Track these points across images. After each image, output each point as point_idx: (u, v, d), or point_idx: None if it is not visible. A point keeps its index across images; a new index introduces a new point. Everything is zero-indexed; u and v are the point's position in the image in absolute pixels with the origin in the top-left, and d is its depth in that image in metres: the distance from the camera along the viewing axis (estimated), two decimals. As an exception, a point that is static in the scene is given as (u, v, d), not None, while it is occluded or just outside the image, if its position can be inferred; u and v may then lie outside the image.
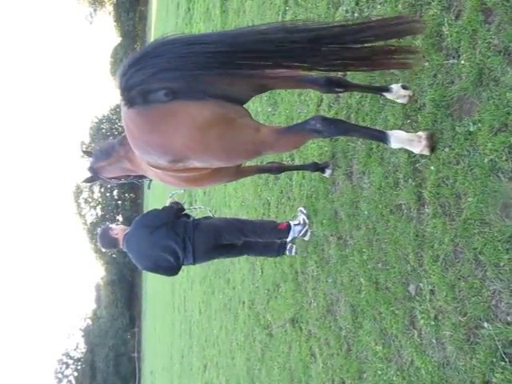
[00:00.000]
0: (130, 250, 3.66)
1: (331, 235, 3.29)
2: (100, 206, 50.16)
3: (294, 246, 3.91)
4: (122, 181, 2.92)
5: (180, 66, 1.67)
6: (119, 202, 48.36)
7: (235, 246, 3.78)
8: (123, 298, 49.04)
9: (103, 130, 50.18)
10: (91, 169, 2.86)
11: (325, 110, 3.47)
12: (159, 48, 1.70)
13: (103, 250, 4.01)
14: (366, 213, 2.83)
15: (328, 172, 3.35)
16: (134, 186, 49.80)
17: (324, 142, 3.48)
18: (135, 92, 1.76)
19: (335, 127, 2.06)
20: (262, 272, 4.85)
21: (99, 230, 3.93)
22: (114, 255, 49.98)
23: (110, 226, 3.89)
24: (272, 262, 4.49)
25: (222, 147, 1.96)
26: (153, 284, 27.40)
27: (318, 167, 3.37)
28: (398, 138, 2.17)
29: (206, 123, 1.84)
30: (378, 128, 2.52)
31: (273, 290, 4.46)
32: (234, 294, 5.99)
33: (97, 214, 50.53)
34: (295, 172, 3.96)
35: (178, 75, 1.69)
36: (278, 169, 3.56)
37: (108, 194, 50.20)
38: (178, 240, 3.50)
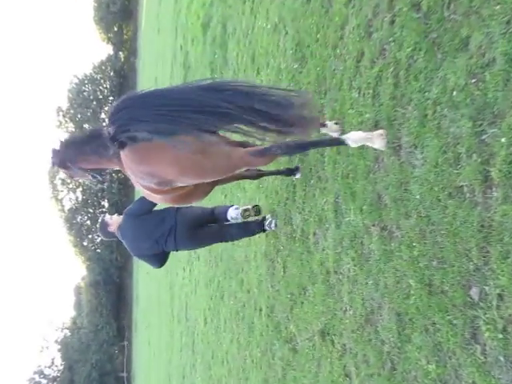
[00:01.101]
0: (123, 239, 5.27)
1: (373, 225, 3.33)
2: (80, 189, 50.92)
3: (274, 221, 5.21)
4: (96, 177, 3.56)
5: (152, 118, 2.75)
6: (105, 185, 48.97)
7: (216, 232, 5.32)
8: (109, 304, 50.16)
9: (85, 93, 50.61)
10: (68, 156, 3.32)
11: (366, 66, 3.47)
12: (137, 100, 2.80)
13: (105, 239, 5.62)
14: (417, 197, 2.85)
15: (298, 175, 4.64)
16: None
17: (365, 107, 3.49)
18: (124, 137, 2.89)
19: (296, 147, 3.18)
20: (284, 271, 4.93)
21: (99, 223, 5.51)
22: (98, 250, 51.03)
23: (106, 220, 5.40)
24: (297, 259, 4.56)
25: (196, 174, 3.13)
26: (146, 286, 27.92)
27: (291, 171, 4.70)
28: (355, 139, 3.18)
29: (181, 155, 2.92)
30: (333, 136, 3.68)
31: (298, 295, 4.54)
32: (249, 298, 6.10)
33: (76, 199, 51.41)
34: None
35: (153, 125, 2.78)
36: (255, 176, 4.87)
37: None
38: (163, 227, 5.11)
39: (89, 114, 50.43)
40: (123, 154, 3.02)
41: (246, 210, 5.50)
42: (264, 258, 5.59)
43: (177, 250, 5.35)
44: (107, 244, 47.18)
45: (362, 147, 3.45)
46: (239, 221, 5.47)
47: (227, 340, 7.07)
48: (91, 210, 52.18)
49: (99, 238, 49.85)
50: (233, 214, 5.44)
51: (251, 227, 5.34)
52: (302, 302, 4.43)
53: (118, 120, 2.82)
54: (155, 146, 2.91)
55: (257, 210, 5.58)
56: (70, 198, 51.60)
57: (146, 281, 28.06)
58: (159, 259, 5.48)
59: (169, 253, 5.48)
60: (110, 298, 50.60)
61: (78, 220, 52.23)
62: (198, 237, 5.25)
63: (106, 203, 51.46)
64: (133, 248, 5.29)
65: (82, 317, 52.39)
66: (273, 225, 5.20)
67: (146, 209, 5.14)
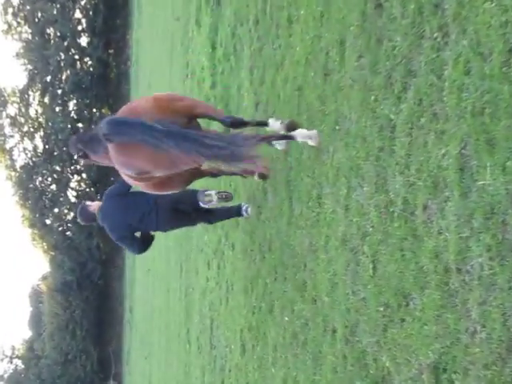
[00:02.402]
0: (105, 219, 8.50)
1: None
2: (41, 132, 51.94)
3: (249, 208, 8.49)
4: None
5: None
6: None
7: (195, 214, 9.07)
8: (86, 320, 51.03)
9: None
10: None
11: None
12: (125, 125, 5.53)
13: (83, 223, 9.17)
14: None
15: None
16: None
17: None
18: (114, 136, 5.50)
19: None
20: (373, 269, 4.96)
21: (78, 208, 9.02)
22: (68, 232, 51.95)
23: (87, 203, 8.88)
24: (396, 249, 4.59)
25: (167, 167, 6.00)
26: (146, 291, 28.46)
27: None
28: (301, 135, 6.49)
29: (156, 152, 5.47)
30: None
31: (396, 307, 4.58)
32: (315, 312, 6.17)
33: (35, 150, 52.32)
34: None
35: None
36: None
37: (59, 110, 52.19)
38: (144, 207, 8.53)
39: (55, 11, 50.89)
40: (110, 146, 5.63)
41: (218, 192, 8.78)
42: (341, 247, 5.64)
43: (155, 231, 9.01)
44: (83, 225, 46.92)
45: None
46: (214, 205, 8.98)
47: (278, 378, 7.19)
48: (58, 168, 53.09)
49: (71, 215, 50.84)
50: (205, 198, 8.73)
51: (233, 210, 9.06)
52: (403, 319, 4.47)
53: (114, 125, 5.52)
54: (134, 143, 5.47)
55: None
56: (25, 149, 52.59)
57: (147, 282, 28.60)
58: (141, 242, 8.84)
59: (152, 237, 8.96)
60: (88, 311, 51.26)
61: (37, 184, 53.22)
62: (179, 219, 8.94)
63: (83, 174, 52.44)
64: (115, 228, 8.48)
65: (43, 340, 53.28)
66: (248, 211, 8.51)
67: (128, 187, 8.28)
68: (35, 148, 52.49)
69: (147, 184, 6.50)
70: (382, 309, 4.77)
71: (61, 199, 52.88)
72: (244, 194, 9.47)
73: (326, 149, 6.15)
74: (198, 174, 7.46)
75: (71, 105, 53.54)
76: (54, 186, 53.43)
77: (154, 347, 23.11)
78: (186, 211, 8.88)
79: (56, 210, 53.37)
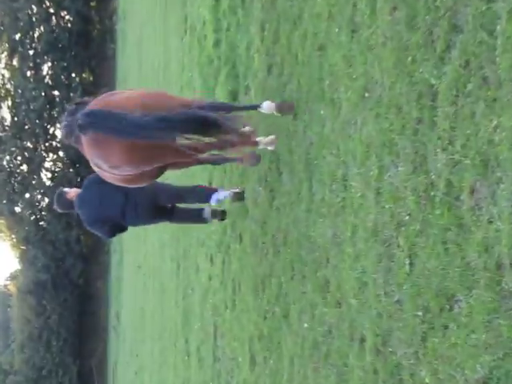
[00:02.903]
0: (81, 207, 9.78)
1: None
2: (9, 101, 51.91)
3: (209, 211, 10.49)
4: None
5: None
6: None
7: (170, 211, 10.62)
8: (63, 328, 51.05)
9: None
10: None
11: None
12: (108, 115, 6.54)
13: (59, 211, 10.46)
14: None
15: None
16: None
17: None
18: (88, 128, 6.48)
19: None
20: (410, 265, 4.97)
21: (55, 194, 10.10)
22: (42, 222, 51.88)
23: (65, 190, 10.05)
24: (438, 241, 4.58)
25: (139, 164, 7.14)
26: (135, 292, 28.46)
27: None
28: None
29: (128, 148, 6.72)
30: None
31: (438, 311, 4.59)
32: (340, 317, 6.19)
33: (2, 124, 52.31)
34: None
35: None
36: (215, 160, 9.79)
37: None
38: (121, 199, 9.79)
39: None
40: (84, 137, 6.57)
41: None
42: (371, 239, 5.66)
43: (135, 225, 10.91)
44: (60, 214, 45.50)
45: None
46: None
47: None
48: (30, 145, 53.00)
49: (45, 201, 50.75)
50: (220, 196, 10.02)
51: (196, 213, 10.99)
52: (446, 326, 4.48)
53: (92, 116, 6.40)
54: (109, 138, 6.48)
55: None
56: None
57: (136, 282, 28.61)
58: (112, 229, 10.29)
59: (125, 229, 10.55)
60: (66, 317, 51.18)
61: (5, 163, 52.67)
62: (158, 213, 10.36)
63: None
64: (91, 217, 9.89)
65: (12, 352, 53.24)
66: (209, 216, 10.77)
67: None
68: (2, 120, 52.43)
69: (116, 177, 7.49)
70: (420, 313, 4.78)
71: (33, 182, 52.79)
72: (253, 175, 9.45)
73: (352, 120, 6.14)
74: (170, 166, 8.36)
75: (45, 68, 53.21)
76: (24, 167, 53.32)
77: (145, 360, 23.18)
78: (164, 207, 10.61)
79: (27, 196, 53.08)
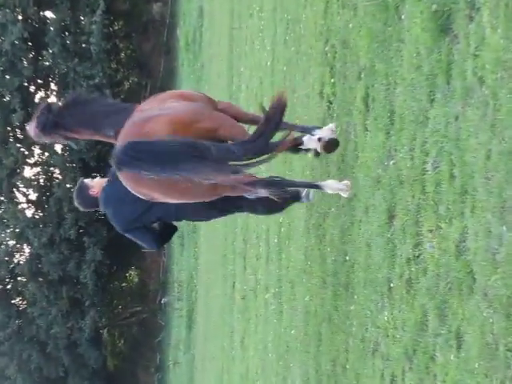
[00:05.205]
0: (109, 204, 7.96)
1: None
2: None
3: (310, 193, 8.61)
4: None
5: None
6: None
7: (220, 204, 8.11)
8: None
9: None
10: (67, 123, 6.85)
11: None
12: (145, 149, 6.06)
13: (83, 209, 8.68)
14: None
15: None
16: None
17: None
18: (126, 165, 6.06)
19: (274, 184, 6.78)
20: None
21: (76, 187, 8.41)
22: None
23: (86, 182, 8.26)
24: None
25: (177, 197, 6.91)
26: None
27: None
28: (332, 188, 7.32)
29: (166, 184, 6.43)
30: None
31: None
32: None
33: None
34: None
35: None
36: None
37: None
38: None
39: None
40: (120, 173, 6.28)
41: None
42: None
43: (180, 220, 8.83)
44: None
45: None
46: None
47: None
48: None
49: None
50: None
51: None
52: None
53: (129, 154, 5.93)
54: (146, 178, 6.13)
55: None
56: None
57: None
58: (158, 234, 8.40)
59: (175, 228, 8.71)
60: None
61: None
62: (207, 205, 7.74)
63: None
64: (126, 213, 7.87)
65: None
66: (311, 196, 8.44)
67: None
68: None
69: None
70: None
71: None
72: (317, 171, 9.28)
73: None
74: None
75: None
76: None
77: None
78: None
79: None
